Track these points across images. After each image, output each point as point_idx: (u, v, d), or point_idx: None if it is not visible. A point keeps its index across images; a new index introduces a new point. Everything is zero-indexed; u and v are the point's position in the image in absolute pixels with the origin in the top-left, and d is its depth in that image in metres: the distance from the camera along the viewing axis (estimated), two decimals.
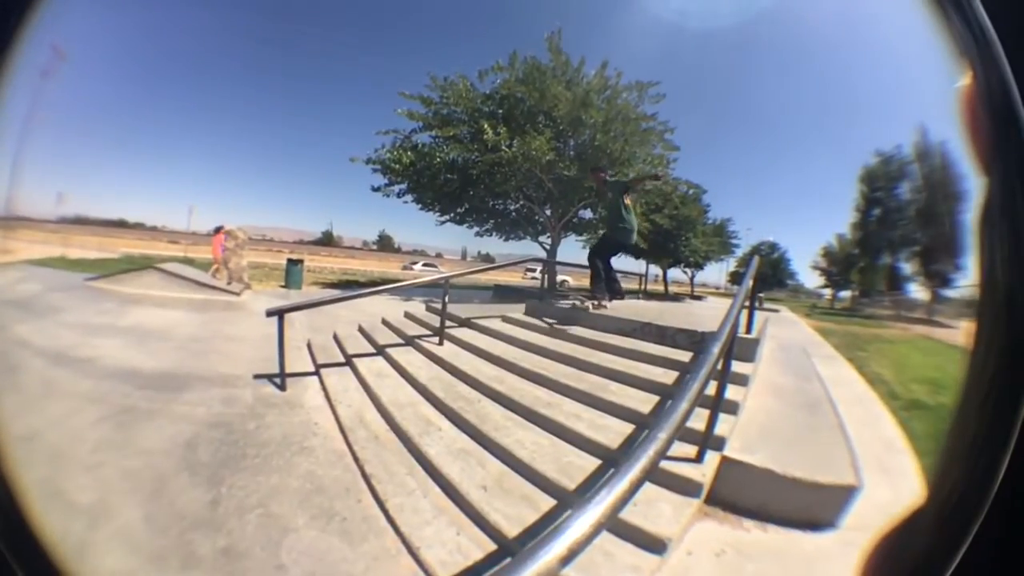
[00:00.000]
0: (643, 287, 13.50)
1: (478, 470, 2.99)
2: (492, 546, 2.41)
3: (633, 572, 2.13)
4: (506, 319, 6.39)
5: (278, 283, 14.40)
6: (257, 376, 5.04)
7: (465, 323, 6.32)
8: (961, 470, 0.64)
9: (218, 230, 12.99)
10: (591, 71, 13.51)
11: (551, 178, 13.18)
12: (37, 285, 9.10)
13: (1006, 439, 0.60)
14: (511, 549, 2.35)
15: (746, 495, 2.71)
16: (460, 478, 2.87)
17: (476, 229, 16.71)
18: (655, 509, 2.46)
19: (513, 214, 16.03)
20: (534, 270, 29.06)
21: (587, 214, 15.78)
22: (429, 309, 7.61)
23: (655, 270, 24.29)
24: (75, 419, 3.67)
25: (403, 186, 14.52)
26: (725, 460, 2.81)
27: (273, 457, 3.33)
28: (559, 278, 22.88)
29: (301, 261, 14.68)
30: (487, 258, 55.29)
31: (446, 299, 5.95)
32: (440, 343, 5.63)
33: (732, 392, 3.38)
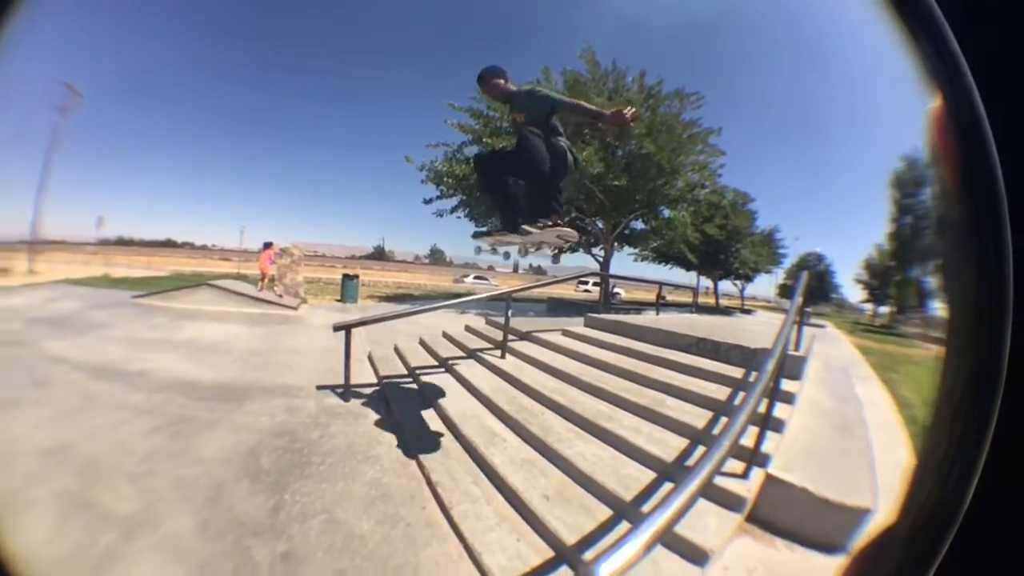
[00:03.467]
0: (695, 300, 13.28)
1: (541, 480, 3.07)
2: (550, 553, 2.49)
3: None
4: (566, 332, 6.40)
5: (333, 297, 14.91)
6: (320, 387, 5.27)
7: (526, 336, 6.37)
8: (932, 488, 0.66)
9: (267, 246, 13.41)
10: (629, 79, 13.56)
11: (601, 189, 13.17)
12: (77, 303, 9.58)
13: (975, 458, 0.61)
14: (569, 557, 2.42)
15: (782, 513, 2.69)
16: (523, 487, 2.96)
17: None
18: (702, 521, 2.50)
19: None
20: (586, 283, 28.96)
21: (639, 225, 15.70)
22: (489, 322, 7.71)
23: (704, 282, 23.91)
24: (126, 428, 3.84)
25: (454, 201, 14.64)
26: (769, 478, 2.79)
27: (338, 465, 3.46)
28: (612, 289, 22.67)
29: (357, 276, 15.13)
30: (539, 271, 55.36)
31: (509, 313, 6.06)
32: (502, 356, 5.71)
33: (778, 410, 3.36)
